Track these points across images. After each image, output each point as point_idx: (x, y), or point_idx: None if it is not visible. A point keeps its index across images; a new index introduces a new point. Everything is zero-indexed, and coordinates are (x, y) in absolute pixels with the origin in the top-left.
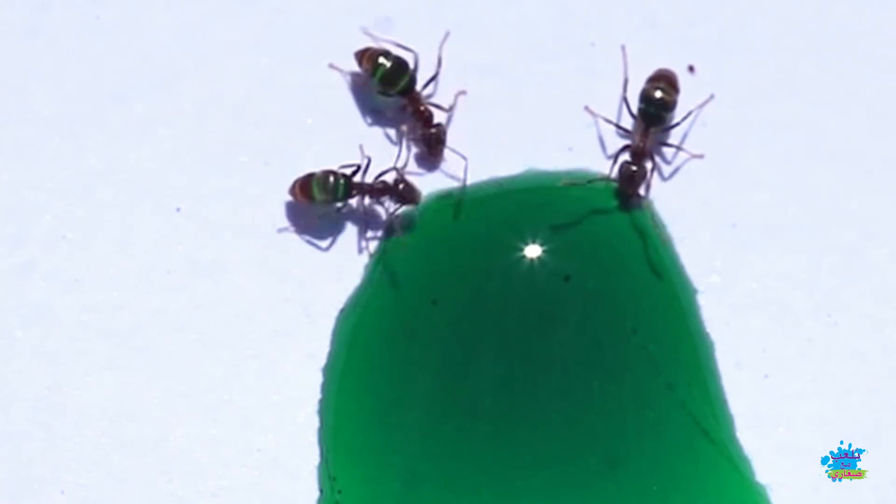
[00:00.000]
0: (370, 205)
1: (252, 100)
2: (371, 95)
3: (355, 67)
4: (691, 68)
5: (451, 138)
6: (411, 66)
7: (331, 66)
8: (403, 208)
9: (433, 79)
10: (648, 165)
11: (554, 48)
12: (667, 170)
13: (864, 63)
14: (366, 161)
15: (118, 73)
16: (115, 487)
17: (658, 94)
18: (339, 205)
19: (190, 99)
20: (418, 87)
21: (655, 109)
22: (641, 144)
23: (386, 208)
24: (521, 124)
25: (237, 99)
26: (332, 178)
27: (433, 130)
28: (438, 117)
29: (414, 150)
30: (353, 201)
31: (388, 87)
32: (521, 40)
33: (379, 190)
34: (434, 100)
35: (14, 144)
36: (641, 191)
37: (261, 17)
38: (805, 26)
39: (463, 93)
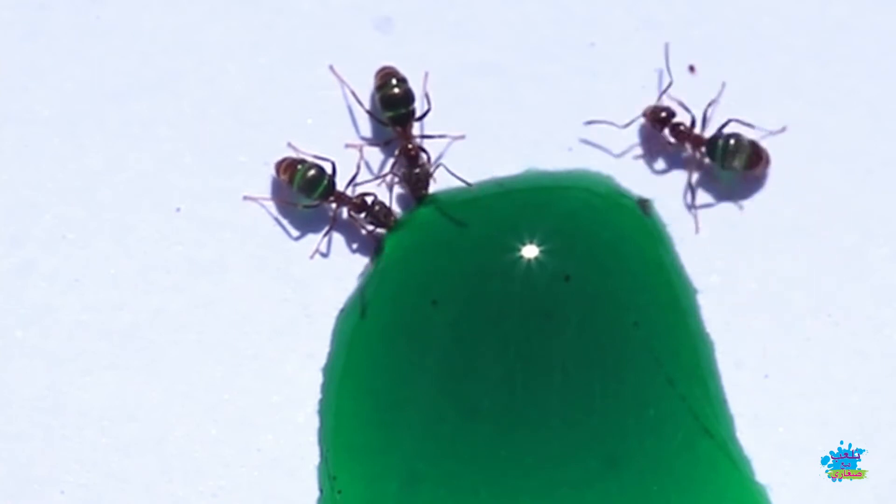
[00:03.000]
0: (344, 216)
1: (252, 100)
2: (371, 98)
3: (355, 69)
4: (692, 68)
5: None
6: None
7: (331, 66)
8: (376, 230)
9: (426, 114)
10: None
11: (554, 48)
12: (667, 169)
13: (864, 63)
14: (356, 171)
15: (118, 73)
16: (115, 487)
17: None
18: (313, 202)
19: (190, 99)
20: (416, 114)
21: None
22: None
23: (360, 225)
24: (521, 124)
25: (237, 99)
26: (318, 174)
27: (417, 171)
28: (435, 140)
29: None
30: (331, 207)
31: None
32: (521, 40)
33: (357, 205)
34: (433, 98)
35: (14, 144)
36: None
37: (261, 17)
38: (805, 26)
39: (462, 137)
